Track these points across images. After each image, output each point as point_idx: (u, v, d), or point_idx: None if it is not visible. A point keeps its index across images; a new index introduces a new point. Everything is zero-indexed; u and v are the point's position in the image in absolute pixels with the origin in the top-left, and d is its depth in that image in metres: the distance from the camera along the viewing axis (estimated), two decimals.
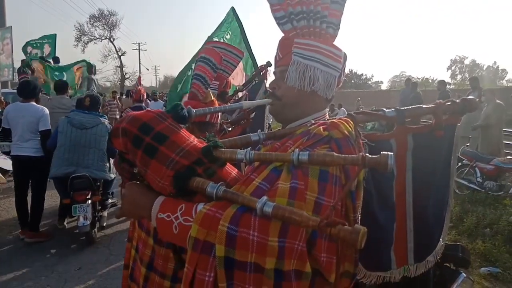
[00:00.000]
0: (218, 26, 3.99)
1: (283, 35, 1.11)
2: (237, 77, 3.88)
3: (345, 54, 1.09)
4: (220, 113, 1.97)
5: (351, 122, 1.01)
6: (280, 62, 1.11)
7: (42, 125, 4.36)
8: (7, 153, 5.53)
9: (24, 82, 5.10)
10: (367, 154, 0.80)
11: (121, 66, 41.62)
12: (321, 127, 0.95)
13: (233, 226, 0.80)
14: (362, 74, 58.66)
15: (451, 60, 61.84)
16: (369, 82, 59.71)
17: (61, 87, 5.76)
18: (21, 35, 47.57)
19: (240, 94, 3.25)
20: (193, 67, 3.79)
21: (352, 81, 53.25)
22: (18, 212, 4.48)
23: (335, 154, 0.84)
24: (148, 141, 0.92)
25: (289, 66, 1.06)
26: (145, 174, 0.96)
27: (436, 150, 1.24)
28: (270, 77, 3.09)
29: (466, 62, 61.58)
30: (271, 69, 3.05)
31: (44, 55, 10.82)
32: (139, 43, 46.21)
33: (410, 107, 1.22)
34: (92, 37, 39.38)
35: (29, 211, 4.46)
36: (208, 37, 3.94)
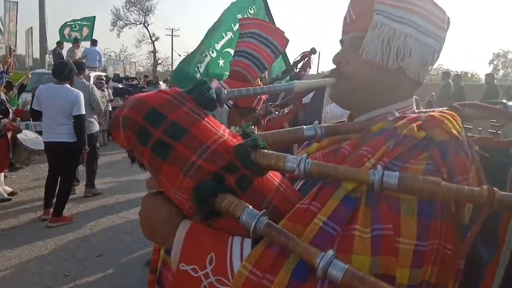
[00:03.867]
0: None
1: None
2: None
3: (448, 18, 0.76)
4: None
5: (458, 118, 0.68)
6: (351, 26, 0.79)
7: (76, 109, 4.22)
8: (39, 132, 5.49)
9: (59, 63, 4.99)
10: (496, 189, 0.52)
11: (154, 52, 42.01)
12: (414, 124, 0.64)
13: None
14: None
15: (494, 54, 58.58)
16: None
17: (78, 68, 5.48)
18: (56, 17, 49.10)
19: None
20: (216, 46, 3.52)
21: None
22: (45, 192, 4.42)
23: (443, 183, 0.54)
24: (158, 136, 0.65)
25: (367, 31, 0.74)
26: (158, 180, 0.70)
27: None
28: (314, 66, 2.73)
29: (510, 56, 58.19)
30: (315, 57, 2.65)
31: (82, 37, 10.95)
32: (172, 29, 46.32)
33: None
34: (127, 22, 39.79)
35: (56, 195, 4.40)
36: (231, 8, 3.67)
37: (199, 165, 0.64)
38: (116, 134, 0.71)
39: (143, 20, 39.98)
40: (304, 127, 0.78)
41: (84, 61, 8.62)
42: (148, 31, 40.85)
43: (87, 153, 4.52)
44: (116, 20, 39.65)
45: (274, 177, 0.69)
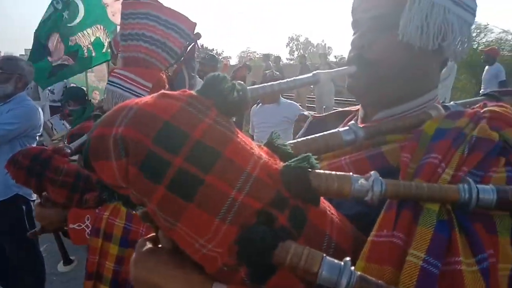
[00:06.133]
0: None
1: None
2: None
3: None
4: None
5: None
6: (371, 2, 0.68)
7: None
8: None
9: None
10: None
11: None
12: (483, 123, 0.58)
13: None
14: (212, 49, 59.45)
15: (289, 37, 68.51)
16: (220, 57, 61.12)
17: None
18: None
19: None
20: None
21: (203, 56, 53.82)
22: None
23: None
24: (179, 166, 0.44)
25: (392, 7, 0.65)
26: (172, 230, 0.47)
27: None
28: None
29: (301, 39, 69.27)
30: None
31: None
32: None
33: None
34: None
35: None
36: None
37: (241, 203, 0.45)
38: (100, 166, 0.47)
39: None
40: (341, 130, 0.65)
41: None
42: None
43: None
44: None
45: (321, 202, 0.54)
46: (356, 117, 0.79)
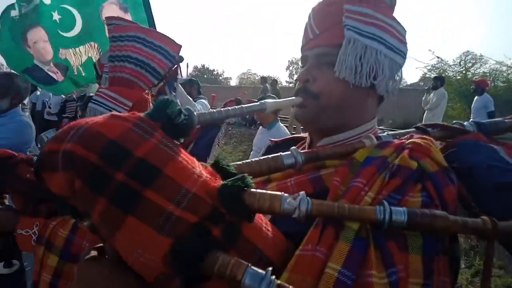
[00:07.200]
0: None
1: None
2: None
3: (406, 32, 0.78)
4: None
5: (434, 141, 0.70)
6: (315, 41, 0.77)
7: None
8: None
9: None
10: (495, 220, 0.57)
11: None
12: (404, 153, 0.65)
13: None
14: (214, 70, 60.37)
15: (289, 61, 69.63)
16: (220, 78, 61.85)
17: None
18: None
19: None
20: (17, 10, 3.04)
21: (205, 76, 54.32)
22: None
23: (451, 216, 0.57)
24: (121, 181, 0.50)
25: (333, 47, 0.73)
26: (111, 239, 0.52)
27: None
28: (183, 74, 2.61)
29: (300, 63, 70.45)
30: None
31: None
32: None
33: (492, 120, 0.88)
34: None
35: None
36: None
37: (178, 217, 0.50)
38: (49, 176, 0.52)
39: None
40: (283, 154, 0.72)
41: None
42: None
43: None
44: None
45: (259, 219, 0.60)
46: (305, 143, 0.87)
